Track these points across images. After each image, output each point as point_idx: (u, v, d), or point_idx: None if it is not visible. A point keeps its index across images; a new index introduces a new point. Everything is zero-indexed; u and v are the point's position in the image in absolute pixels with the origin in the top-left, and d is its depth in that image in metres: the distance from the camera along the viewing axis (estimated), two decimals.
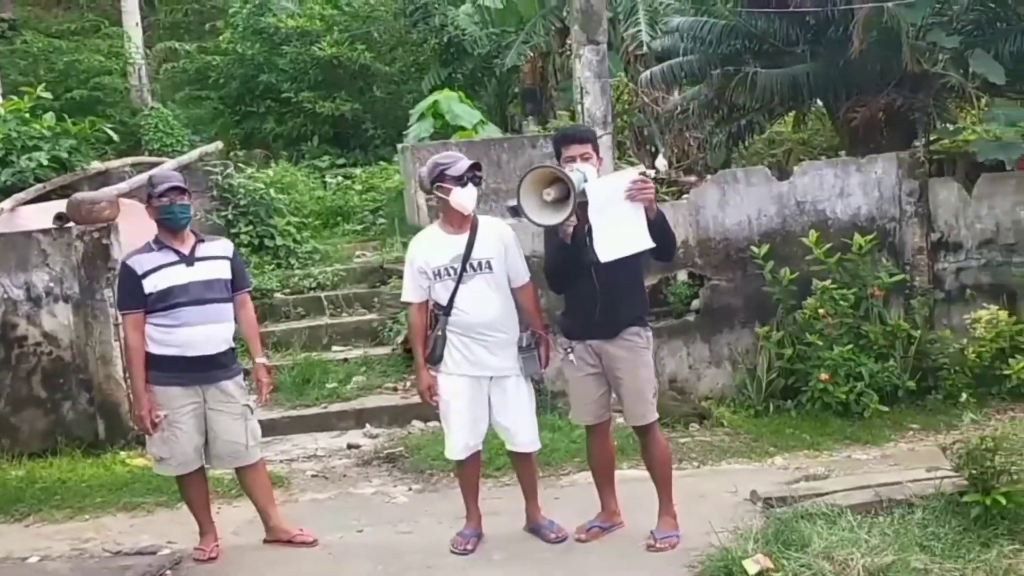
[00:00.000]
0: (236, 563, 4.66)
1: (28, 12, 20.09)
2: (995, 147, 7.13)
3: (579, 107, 10.33)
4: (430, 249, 4.57)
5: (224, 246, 4.77)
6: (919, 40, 7.39)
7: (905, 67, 7.33)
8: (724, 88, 8.18)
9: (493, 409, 4.58)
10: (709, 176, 7.81)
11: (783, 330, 7.00)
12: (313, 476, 6.06)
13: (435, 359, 4.56)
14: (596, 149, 4.59)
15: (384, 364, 7.85)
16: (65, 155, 8.79)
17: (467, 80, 15.69)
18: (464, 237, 4.54)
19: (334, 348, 8.30)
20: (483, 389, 4.56)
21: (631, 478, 5.27)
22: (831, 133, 10.76)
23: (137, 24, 17.72)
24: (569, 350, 4.55)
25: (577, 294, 4.50)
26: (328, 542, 4.83)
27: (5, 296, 6.59)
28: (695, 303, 7.32)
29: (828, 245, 6.98)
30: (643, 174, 4.48)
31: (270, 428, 6.35)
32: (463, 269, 4.49)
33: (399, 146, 11.57)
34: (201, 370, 4.53)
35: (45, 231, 6.72)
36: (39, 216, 7.31)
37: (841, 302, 6.85)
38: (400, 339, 7.85)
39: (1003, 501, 4.23)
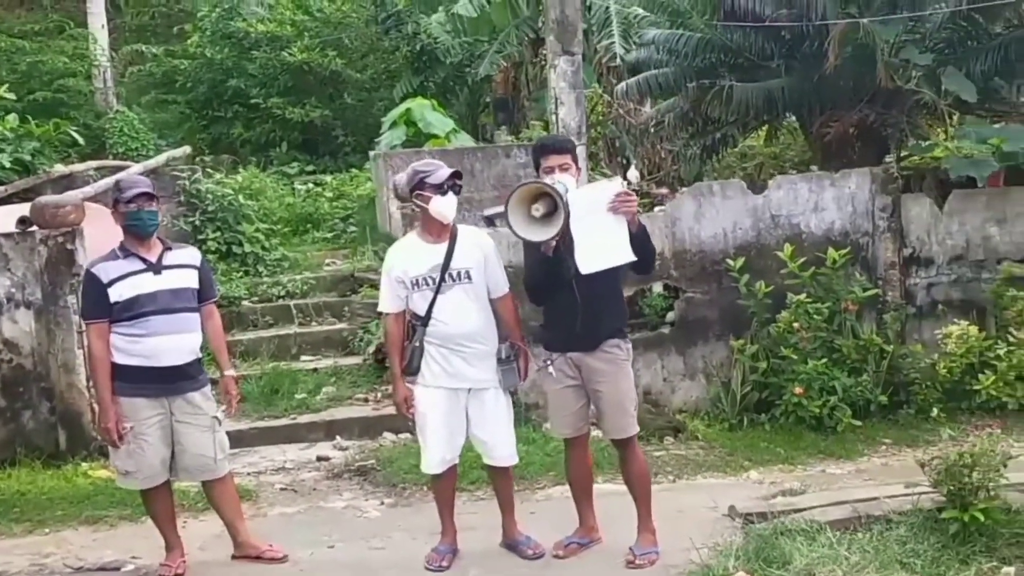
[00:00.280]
0: None
1: None
2: (967, 164, 7.19)
3: (553, 117, 10.32)
4: (408, 258, 4.48)
5: (192, 254, 4.65)
6: (892, 57, 7.44)
7: (879, 83, 7.38)
8: (700, 101, 8.19)
9: (471, 422, 4.50)
10: (684, 188, 7.80)
11: (757, 343, 6.99)
12: (282, 489, 5.92)
13: (412, 370, 4.47)
14: (575, 159, 4.55)
15: (355, 374, 7.73)
16: (28, 157, 8.59)
17: (439, 89, 15.60)
18: (443, 246, 4.46)
19: (303, 358, 8.16)
20: (461, 401, 4.47)
21: (607, 492, 5.21)
22: (802, 147, 10.83)
23: (103, 26, 17.43)
24: (549, 362, 4.49)
25: (557, 306, 4.44)
26: (298, 558, 4.70)
27: None
28: (670, 315, 7.29)
29: (802, 259, 6.99)
30: (628, 184, 4.42)
31: (237, 440, 6.18)
32: (442, 279, 4.41)
33: (371, 153, 11.46)
34: (168, 381, 4.40)
35: (7, 235, 6.53)
36: (1, 219, 7.11)
37: (815, 316, 6.86)
38: (371, 349, 7.74)
39: (981, 518, 4.23)
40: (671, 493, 5.58)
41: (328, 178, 13.07)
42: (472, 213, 8.56)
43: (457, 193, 4.49)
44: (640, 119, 10.31)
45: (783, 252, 7.00)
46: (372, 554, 4.77)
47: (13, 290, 6.42)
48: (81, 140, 10.64)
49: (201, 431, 4.47)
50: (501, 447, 4.55)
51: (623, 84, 9.18)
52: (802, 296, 6.87)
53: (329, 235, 11.11)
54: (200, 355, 4.54)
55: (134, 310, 4.30)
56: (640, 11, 10.57)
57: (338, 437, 6.78)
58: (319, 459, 6.43)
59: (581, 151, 8.52)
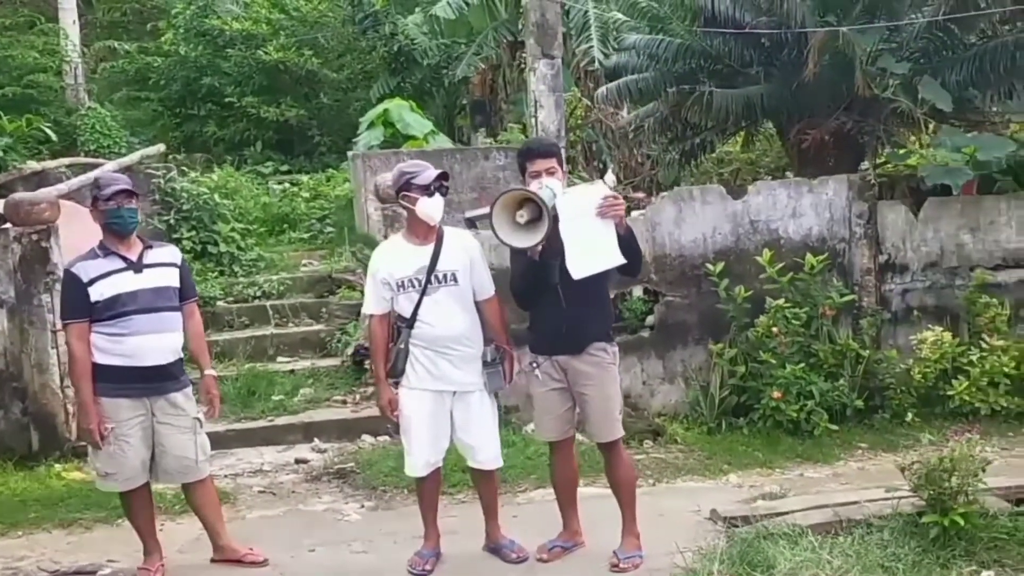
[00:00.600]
0: None
1: None
2: (942, 172, 7.28)
3: (532, 120, 10.34)
4: (394, 260, 4.46)
5: (172, 253, 4.59)
6: (870, 66, 7.52)
7: (857, 91, 7.45)
8: (680, 106, 8.23)
9: (456, 425, 4.48)
10: (663, 193, 7.82)
11: (736, 348, 7.03)
12: (260, 492, 5.86)
13: (397, 373, 4.44)
14: (561, 163, 4.55)
15: (332, 376, 7.68)
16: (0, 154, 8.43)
17: (415, 90, 15.57)
18: (429, 248, 4.44)
19: (280, 359, 8.09)
20: (446, 404, 4.45)
21: (589, 496, 5.19)
22: (778, 153, 10.92)
23: (74, 22, 17.18)
24: (535, 365, 4.48)
25: (543, 309, 4.43)
26: (279, 561, 4.65)
27: None
28: (650, 319, 7.31)
29: (780, 264, 7.04)
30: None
31: (214, 441, 5.95)
32: (428, 281, 4.39)
33: (350, 154, 11.40)
34: (150, 381, 4.34)
35: None
36: None
37: (793, 321, 6.91)
38: (350, 351, 7.69)
39: (961, 522, 4.27)
40: (651, 496, 5.58)
41: (305, 178, 13.00)
42: (451, 215, 8.50)
43: (444, 195, 4.47)
44: (620, 123, 10.33)
45: (762, 257, 7.05)
46: (354, 558, 4.73)
47: None
48: (54, 136, 10.47)
49: (182, 432, 4.42)
50: (486, 450, 4.53)
51: (603, 88, 9.21)
52: (781, 301, 6.92)
53: (306, 235, 11.05)
54: (182, 355, 4.48)
55: (115, 309, 4.24)
56: (620, 16, 10.62)
57: (316, 439, 6.72)
58: (297, 461, 6.37)
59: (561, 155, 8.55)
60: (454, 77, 15.03)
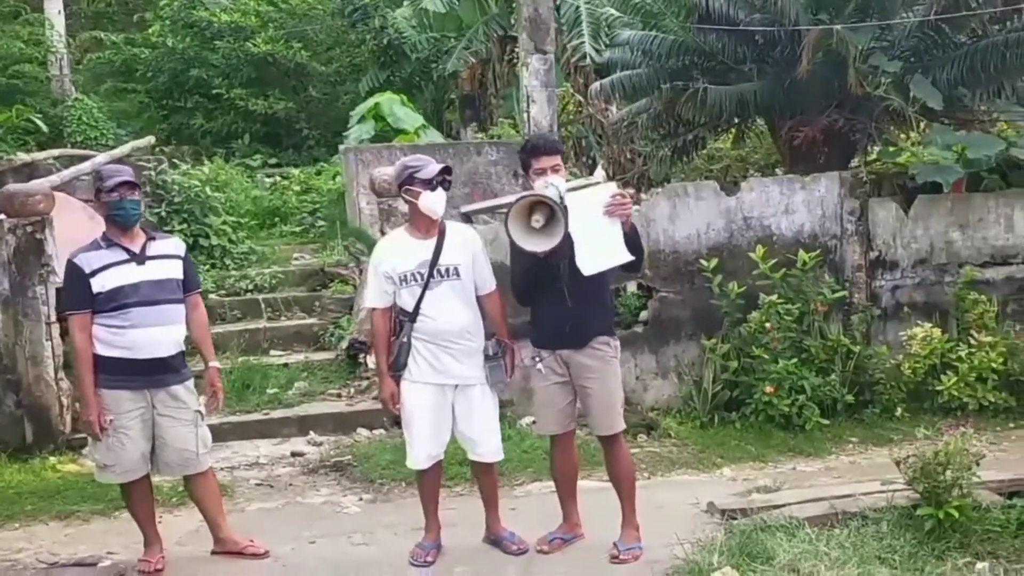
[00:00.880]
0: (184, 575, 4.45)
1: None
2: (933, 170, 7.35)
3: (524, 115, 10.35)
4: (396, 254, 4.47)
5: (176, 245, 4.59)
6: (862, 63, 7.58)
7: (849, 89, 7.51)
8: (673, 102, 8.27)
9: (457, 418, 4.50)
10: (654, 189, 7.88)
11: (729, 343, 7.09)
12: (258, 485, 5.87)
13: (399, 366, 4.45)
14: (564, 160, 4.58)
15: (326, 370, 7.68)
16: None
17: (404, 84, 15.55)
18: (432, 242, 4.45)
19: (273, 352, 8.09)
20: (447, 398, 4.47)
21: (585, 488, 5.20)
22: (768, 150, 10.98)
23: (60, 12, 17.04)
24: (537, 359, 4.51)
25: (546, 305, 4.45)
26: (280, 554, 4.66)
27: None
28: (643, 314, 7.36)
29: (773, 261, 7.09)
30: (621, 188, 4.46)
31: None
32: (430, 275, 4.40)
33: (341, 147, 11.38)
34: (151, 374, 4.34)
35: None
36: None
37: (785, 317, 6.98)
38: (344, 345, 7.69)
39: (955, 515, 4.34)
40: (647, 490, 5.60)
41: (295, 171, 12.96)
42: (446, 210, 8.54)
43: (447, 189, 4.49)
44: (613, 119, 10.37)
45: (754, 253, 7.10)
46: (354, 550, 4.75)
47: None
48: (45, 128, 10.40)
49: (183, 425, 4.42)
50: (487, 443, 4.56)
51: (597, 84, 9.23)
52: (773, 297, 6.98)
53: (297, 229, 11.03)
54: (184, 348, 4.48)
55: (117, 301, 4.24)
56: (612, 11, 10.63)
57: (312, 432, 6.73)
58: (293, 454, 6.38)
59: None
60: (444, 71, 15.00)
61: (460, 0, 14.72)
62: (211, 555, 4.66)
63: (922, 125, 8.22)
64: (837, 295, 7.17)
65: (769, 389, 6.79)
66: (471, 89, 15.55)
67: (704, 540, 4.40)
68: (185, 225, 9.34)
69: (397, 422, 6.68)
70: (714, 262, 7.09)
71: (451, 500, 5.35)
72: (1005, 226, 7.67)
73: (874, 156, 8.86)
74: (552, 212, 4.16)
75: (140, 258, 4.33)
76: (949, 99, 7.77)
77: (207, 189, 9.67)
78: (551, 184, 4.30)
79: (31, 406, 6.35)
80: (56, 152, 10.23)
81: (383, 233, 7.15)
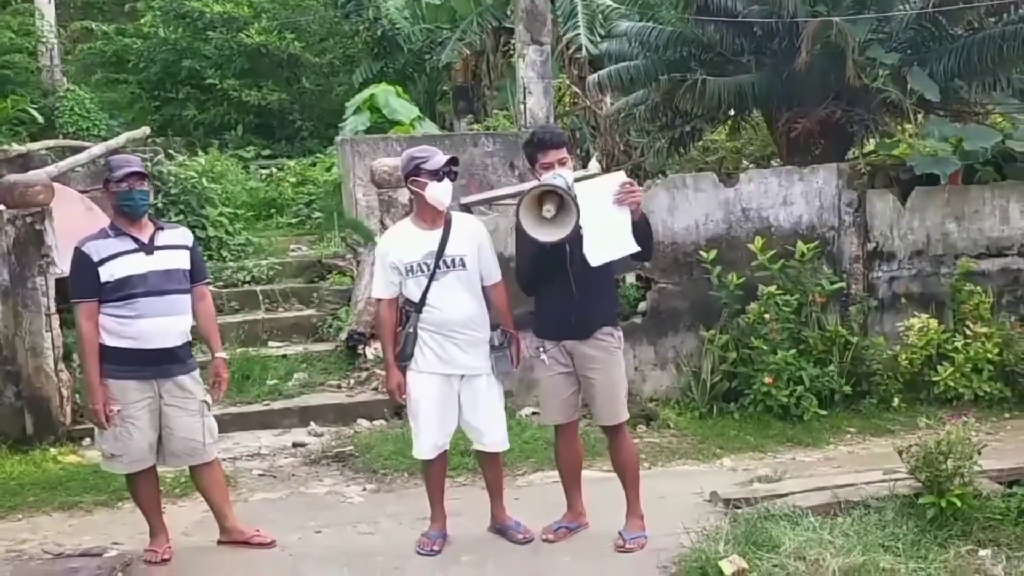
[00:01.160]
0: (191, 565, 4.47)
1: None
2: (930, 162, 7.40)
3: (521, 107, 10.37)
4: (403, 244, 4.48)
5: (184, 235, 4.58)
6: (859, 55, 7.60)
7: (848, 81, 7.53)
8: (672, 94, 8.27)
9: (463, 408, 4.52)
10: (657, 180, 7.89)
11: (727, 334, 7.12)
12: (260, 475, 5.88)
13: (406, 357, 4.46)
14: (571, 151, 4.59)
15: (326, 361, 7.69)
16: None
17: (398, 75, 15.51)
18: (438, 233, 4.46)
19: (271, 344, 8.09)
20: (453, 388, 4.49)
21: (588, 478, 5.22)
22: (763, 142, 11.00)
23: (50, 1, 16.85)
24: (541, 349, 4.52)
25: (551, 295, 4.47)
26: (286, 543, 4.68)
27: None
28: (642, 305, 7.39)
29: (771, 252, 7.13)
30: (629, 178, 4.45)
31: None
32: (436, 265, 4.41)
33: (337, 139, 11.34)
34: (157, 364, 4.34)
35: None
36: None
37: (784, 308, 7.01)
38: (343, 336, 7.70)
39: (958, 503, 4.39)
40: (649, 480, 5.60)
41: (291, 163, 12.92)
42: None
43: (453, 179, 4.49)
44: (610, 110, 10.37)
45: (753, 244, 7.14)
46: (361, 539, 4.76)
47: None
48: (40, 118, 10.33)
49: (190, 415, 4.42)
50: (493, 433, 4.58)
51: (594, 75, 9.22)
52: (772, 288, 7.01)
53: (293, 220, 11.01)
54: (190, 338, 4.48)
55: (125, 290, 4.23)
56: (609, 2, 10.64)
57: (312, 423, 6.74)
58: (295, 445, 6.39)
59: None
60: (437, 63, 14.96)
61: None
62: (217, 545, 4.67)
63: (919, 117, 8.24)
64: (835, 286, 7.21)
65: (768, 380, 6.84)
66: (464, 81, 15.52)
67: (709, 529, 4.43)
68: (182, 216, 9.30)
69: (398, 413, 6.75)
70: (713, 253, 7.12)
71: (454, 490, 5.36)
72: (1000, 218, 7.74)
73: (870, 148, 8.90)
74: (563, 201, 4.17)
75: (149, 248, 4.32)
76: (945, 91, 7.80)
77: (203, 180, 9.64)
78: (559, 175, 4.31)
79: (31, 397, 6.33)
80: (50, 143, 10.19)
81: (383, 224, 7.17)
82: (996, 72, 8.00)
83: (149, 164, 9.34)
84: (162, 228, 4.46)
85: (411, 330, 4.44)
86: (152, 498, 4.56)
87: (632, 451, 4.64)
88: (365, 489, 5.59)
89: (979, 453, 4.50)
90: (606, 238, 4.21)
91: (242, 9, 16.51)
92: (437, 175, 4.42)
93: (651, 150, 9.53)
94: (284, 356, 7.72)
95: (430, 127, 12.32)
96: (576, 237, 4.22)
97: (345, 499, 5.42)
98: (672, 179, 7.55)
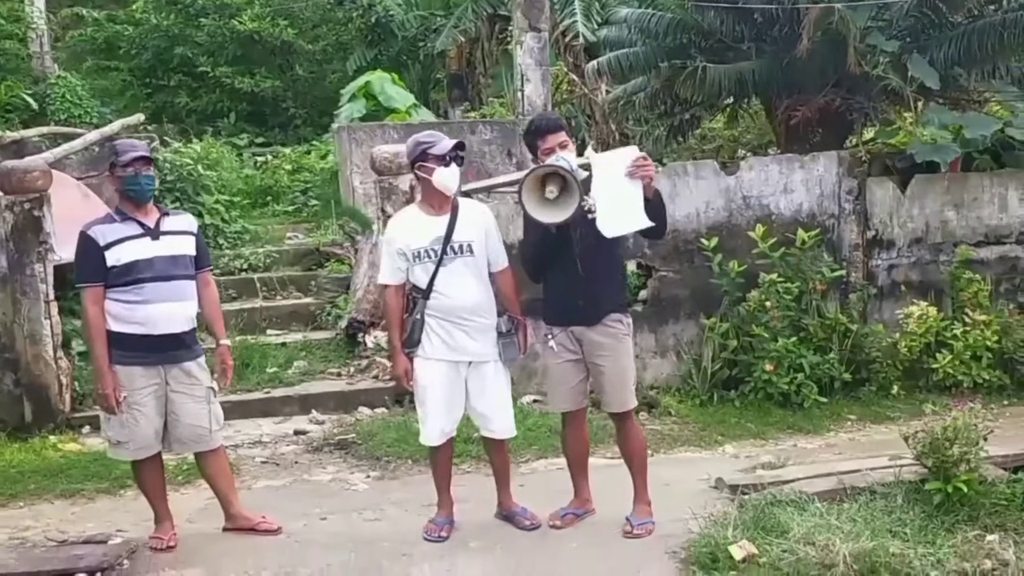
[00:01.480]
0: (197, 552, 4.44)
1: None
2: (931, 149, 7.40)
3: (519, 94, 10.31)
4: (410, 230, 4.44)
5: (188, 221, 4.55)
6: (859, 43, 7.60)
7: (848, 68, 7.53)
8: (672, 80, 8.26)
9: (470, 395, 4.50)
10: (659, 168, 7.87)
11: (728, 322, 7.12)
12: (263, 463, 5.85)
13: (413, 343, 4.44)
14: (570, 135, 4.57)
15: (325, 349, 7.66)
16: None
17: (392, 63, 15.45)
18: (445, 219, 4.43)
19: (270, 332, 8.05)
20: (461, 374, 4.46)
21: (593, 465, 5.24)
22: (761, 130, 11.02)
23: None
24: (549, 336, 4.51)
25: (559, 281, 4.45)
26: (292, 530, 4.65)
27: None
28: (643, 293, 7.38)
29: (772, 240, 7.13)
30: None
31: None
32: (444, 251, 4.39)
33: (334, 126, 11.30)
34: (164, 350, 4.30)
35: None
36: None
37: (784, 295, 7.02)
38: (343, 324, 7.67)
39: (964, 489, 4.40)
40: (652, 467, 5.50)
41: (287, 150, 12.85)
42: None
43: (460, 164, 4.46)
44: (608, 98, 10.34)
45: (753, 232, 7.13)
46: (367, 526, 4.75)
47: None
48: (34, 105, 10.24)
49: (196, 401, 4.40)
50: (500, 420, 4.56)
51: (594, 63, 9.20)
52: (774, 275, 7.01)
53: (289, 208, 10.95)
54: (196, 324, 4.45)
55: (131, 275, 4.19)
56: None
57: (313, 411, 6.71)
58: (296, 433, 6.36)
59: None
60: (432, 50, 14.91)
61: None
62: (223, 532, 4.65)
63: (919, 105, 8.25)
64: (835, 274, 7.22)
65: (769, 367, 6.84)
66: (459, 68, 15.48)
67: (716, 515, 4.44)
68: (177, 204, 9.23)
69: (399, 401, 6.74)
70: (714, 241, 7.12)
71: (459, 477, 5.32)
72: (999, 206, 7.75)
73: (868, 136, 8.91)
74: (565, 182, 4.15)
75: (155, 233, 4.28)
76: (944, 79, 7.82)
77: (199, 167, 9.57)
78: (562, 158, 4.29)
79: (30, 385, 6.28)
80: (44, 130, 10.10)
81: (383, 212, 7.12)
82: (996, 60, 8.02)
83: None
84: (167, 214, 4.42)
85: (418, 316, 4.42)
86: (157, 485, 4.53)
87: (640, 438, 4.63)
88: (369, 476, 5.57)
89: (985, 439, 4.51)
90: (619, 210, 4.18)
91: None
92: (444, 160, 4.39)
93: (649, 138, 9.51)
94: (283, 344, 7.68)
95: (426, 115, 12.28)
96: (581, 221, 4.20)
97: (349, 486, 5.40)
98: (673, 166, 7.54)
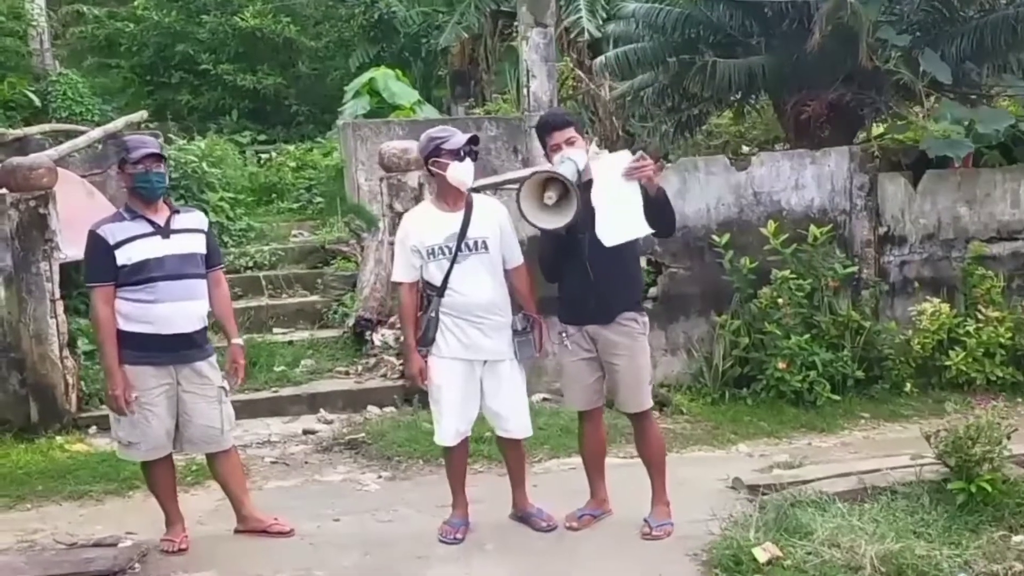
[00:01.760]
0: (210, 554, 4.37)
1: None
2: (944, 144, 7.32)
3: (525, 90, 10.23)
4: (424, 227, 4.37)
5: (199, 219, 4.48)
6: (871, 37, 7.53)
7: (860, 63, 7.46)
8: (681, 76, 8.18)
9: (485, 394, 4.42)
10: (668, 164, 7.80)
11: (739, 319, 7.05)
12: (273, 463, 5.78)
13: (427, 341, 4.36)
14: (580, 131, 4.49)
15: (332, 347, 7.59)
16: None
17: (394, 60, 15.39)
18: (459, 215, 4.36)
19: (276, 330, 7.98)
20: (476, 373, 4.39)
21: (608, 464, 5.19)
22: (767, 126, 10.95)
23: None
24: (564, 335, 4.44)
25: (572, 280, 4.38)
26: (305, 531, 4.59)
27: None
28: (653, 290, 7.31)
29: (784, 236, 7.06)
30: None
31: None
32: (459, 248, 4.32)
33: (339, 122, 11.22)
34: (176, 349, 4.23)
35: None
36: None
37: (797, 292, 6.95)
38: (351, 322, 7.60)
39: (988, 488, 4.33)
40: (667, 466, 5.59)
41: (291, 147, 12.78)
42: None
43: (475, 159, 4.39)
44: (615, 93, 10.26)
45: (765, 228, 7.06)
46: (381, 527, 4.68)
47: None
48: (37, 102, 10.16)
49: (208, 402, 4.33)
50: (515, 419, 4.49)
51: (601, 58, 9.12)
52: (786, 272, 6.95)
53: (294, 205, 10.87)
54: (207, 323, 4.38)
55: (142, 274, 4.12)
56: None
57: (322, 410, 6.64)
58: (305, 432, 6.29)
59: None
60: (434, 47, 14.84)
61: None
62: (235, 534, 4.58)
63: (931, 100, 8.17)
64: (848, 270, 7.15)
65: (782, 365, 6.77)
66: (462, 65, 15.40)
67: (737, 516, 4.37)
68: (182, 201, 9.15)
69: (408, 399, 6.67)
70: (726, 238, 7.05)
71: (471, 477, 5.18)
72: (1011, 201, 7.69)
73: (878, 131, 8.83)
74: (565, 189, 4.06)
75: (165, 231, 4.21)
76: (956, 74, 7.74)
77: (203, 165, 9.49)
78: (567, 159, 4.20)
79: (36, 385, 6.21)
80: (46, 127, 10.02)
81: (391, 208, 7.05)
82: (1008, 54, 7.94)
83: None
84: (178, 211, 4.35)
85: (433, 315, 4.34)
86: (169, 487, 4.47)
87: (659, 438, 4.57)
88: (380, 476, 5.50)
89: (1008, 438, 4.44)
90: (618, 219, 4.10)
91: None
92: (458, 155, 4.31)
93: (656, 134, 9.44)
94: (290, 342, 7.61)
95: (430, 111, 12.20)
96: (589, 223, 4.12)
97: (361, 487, 5.33)
98: (683, 162, 7.47)
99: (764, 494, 4.59)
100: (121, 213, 4.24)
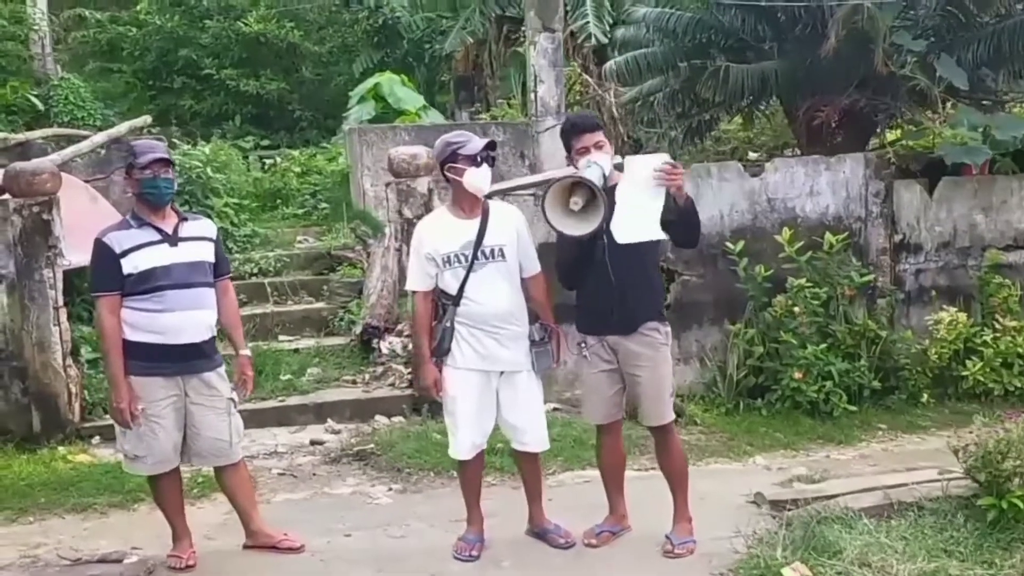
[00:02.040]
0: (218, 571, 4.25)
1: None
2: (961, 151, 7.22)
3: (532, 95, 10.13)
4: (439, 234, 4.25)
5: (208, 227, 4.36)
6: (886, 43, 7.43)
7: (875, 68, 7.36)
8: (692, 81, 8.08)
9: (502, 406, 4.30)
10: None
11: (754, 328, 6.93)
12: (280, 475, 5.65)
13: (442, 352, 4.24)
14: (607, 136, 4.38)
15: (339, 356, 7.46)
16: None
17: (398, 65, 15.30)
18: (475, 222, 4.24)
19: (282, 337, 7.85)
20: (492, 385, 4.27)
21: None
22: (776, 132, 10.85)
23: None
24: (584, 345, 4.32)
25: (591, 288, 4.26)
26: (316, 547, 4.46)
27: None
28: (665, 298, 7.18)
29: (799, 244, 6.94)
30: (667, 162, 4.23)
31: None
32: (475, 256, 4.20)
33: (344, 127, 11.13)
34: (183, 359, 4.11)
35: None
36: None
37: (812, 301, 6.83)
38: (358, 330, 7.47)
39: (1020, 504, 4.21)
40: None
41: (295, 153, 12.68)
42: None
43: (492, 165, 4.28)
44: (624, 99, 10.16)
45: (779, 236, 6.94)
46: (393, 543, 4.55)
47: None
48: (41, 106, 10.05)
49: (216, 414, 4.21)
50: (533, 432, 4.36)
51: (611, 63, 9.02)
52: (802, 280, 6.83)
53: (299, 211, 10.76)
54: (215, 333, 4.26)
55: (149, 283, 4.00)
56: None
57: (329, 420, 6.51)
58: (313, 443, 6.16)
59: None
60: (438, 52, 14.75)
61: None
62: (243, 549, 4.45)
63: (947, 106, 8.07)
64: (864, 279, 7.03)
65: (798, 375, 6.65)
66: (466, 70, 15.31)
67: (761, 533, 4.25)
68: (186, 207, 9.02)
69: (417, 409, 6.55)
70: (740, 245, 6.93)
71: (484, 491, 5.01)
72: None
73: (891, 138, 8.73)
74: (592, 195, 3.94)
75: (173, 239, 4.09)
76: (971, 79, 7.64)
77: (208, 170, 9.38)
78: (593, 163, 4.09)
79: (38, 394, 6.09)
80: (49, 131, 9.91)
81: (400, 215, 6.94)
82: None
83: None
84: (186, 219, 4.23)
85: (448, 324, 4.22)
86: (176, 501, 4.35)
87: (681, 452, 4.44)
88: (391, 489, 5.36)
89: None
90: (636, 217, 3.98)
91: None
92: (475, 160, 4.19)
93: (665, 140, 9.33)
94: (296, 350, 7.49)
95: (436, 116, 12.11)
96: (610, 230, 4.01)
97: (372, 500, 5.19)
98: (696, 168, 7.35)
99: (788, 510, 4.47)
100: (128, 220, 4.12)
